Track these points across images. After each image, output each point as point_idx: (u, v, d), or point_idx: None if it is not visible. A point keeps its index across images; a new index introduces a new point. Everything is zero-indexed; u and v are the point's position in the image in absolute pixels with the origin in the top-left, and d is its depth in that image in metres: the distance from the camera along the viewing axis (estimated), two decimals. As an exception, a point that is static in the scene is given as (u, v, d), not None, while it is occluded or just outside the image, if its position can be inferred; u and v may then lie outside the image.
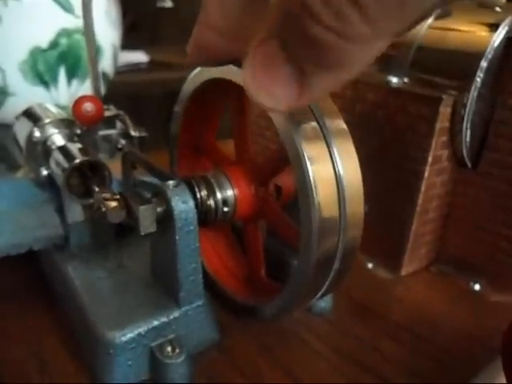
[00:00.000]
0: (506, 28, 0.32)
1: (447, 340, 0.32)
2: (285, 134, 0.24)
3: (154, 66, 1.04)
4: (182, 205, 0.26)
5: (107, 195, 0.25)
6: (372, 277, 0.39)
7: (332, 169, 0.24)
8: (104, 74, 0.64)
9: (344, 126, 0.25)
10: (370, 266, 0.39)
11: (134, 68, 1.00)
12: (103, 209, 0.25)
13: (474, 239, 0.37)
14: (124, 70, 0.92)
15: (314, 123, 0.24)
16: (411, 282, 0.38)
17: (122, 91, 0.75)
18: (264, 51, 0.16)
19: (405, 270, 0.38)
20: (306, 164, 0.23)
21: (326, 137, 0.24)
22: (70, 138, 0.35)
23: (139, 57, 1.04)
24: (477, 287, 0.37)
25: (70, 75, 0.60)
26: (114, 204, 0.25)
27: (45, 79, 0.58)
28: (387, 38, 0.14)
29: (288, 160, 0.24)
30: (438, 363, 0.30)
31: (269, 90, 0.17)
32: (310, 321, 0.33)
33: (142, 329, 0.27)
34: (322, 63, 0.15)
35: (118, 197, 0.25)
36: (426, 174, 0.35)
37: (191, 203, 0.26)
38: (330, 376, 0.29)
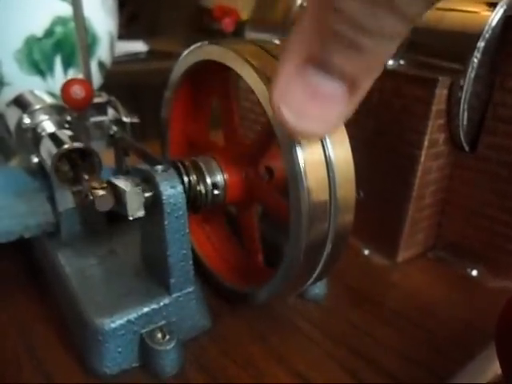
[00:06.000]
0: (505, 6, 0.31)
1: (443, 326, 0.32)
2: (275, 118, 0.23)
3: (153, 55, 1.03)
4: (171, 189, 0.25)
5: (95, 184, 0.25)
6: (368, 263, 0.38)
7: (322, 153, 0.24)
8: (101, 63, 0.63)
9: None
10: (366, 252, 0.39)
11: (133, 58, 1.00)
12: (91, 197, 0.24)
13: (471, 225, 0.36)
14: (123, 60, 0.91)
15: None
16: (408, 269, 0.38)
17: (120, 81, 0.75)
18: (301, 76, 0.16)
19: (401, 257, 0.38)
20: (295, 149, 0.23)
21: (315, 119, 0.24)
22: (61, 124, 0.34)
23: (138, 46, 1.04)
24: (474, 273, 0.37)
25: (67, 64, 0.59)
26: (101, 192, 0.24)
27: (41, 68, 0.57)
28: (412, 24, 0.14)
29: (274, 137, 0.24)
30: (433, 349, 0.30)
31: (318, 114, 0.16)
32: (304, 307, 0.33)
33: (132, 316, 0.26)
34: (364, 66, 0.15)
35: (105, 185, 0.25)
36: (423, 158, 0.34)
37: (180, 188, 0.26)
38: (323, 362, 0.28)
